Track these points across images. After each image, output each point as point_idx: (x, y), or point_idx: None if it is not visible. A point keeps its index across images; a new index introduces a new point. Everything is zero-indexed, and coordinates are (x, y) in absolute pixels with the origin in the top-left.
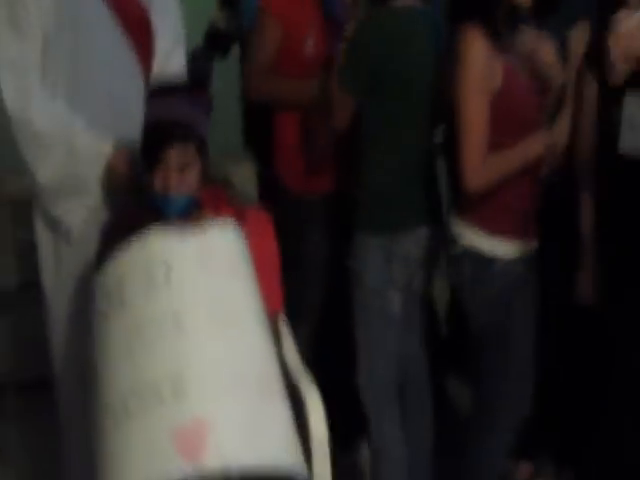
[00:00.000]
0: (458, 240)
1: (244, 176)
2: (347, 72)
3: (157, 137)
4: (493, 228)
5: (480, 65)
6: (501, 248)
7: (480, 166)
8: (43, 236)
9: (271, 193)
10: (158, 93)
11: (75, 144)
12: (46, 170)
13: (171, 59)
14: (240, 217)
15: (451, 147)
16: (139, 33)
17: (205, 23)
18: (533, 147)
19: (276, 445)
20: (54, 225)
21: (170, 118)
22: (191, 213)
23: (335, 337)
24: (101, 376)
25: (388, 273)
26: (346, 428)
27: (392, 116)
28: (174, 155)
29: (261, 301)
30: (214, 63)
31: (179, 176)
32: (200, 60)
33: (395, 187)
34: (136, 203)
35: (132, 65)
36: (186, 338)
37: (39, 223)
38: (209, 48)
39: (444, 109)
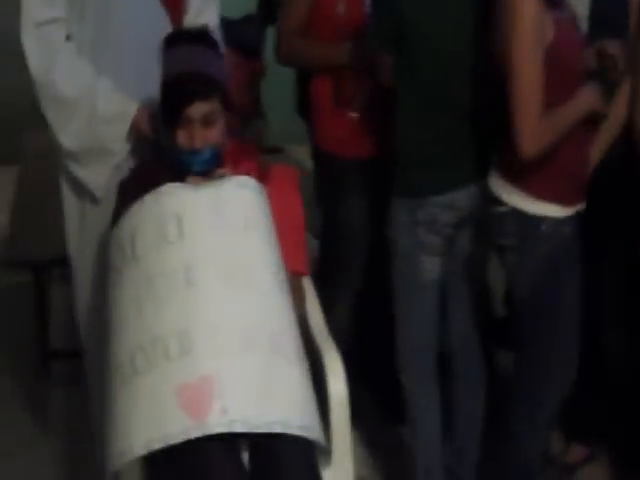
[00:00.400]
0: (502, 201)
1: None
2: (374, 26)
3: (177, 93)
4: (544, 193)
5: (534, 17)
6: (550, 209)
7: (537, 128)
8: (68, 198)
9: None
10: (174, 42)
11: (98, 106)
12: (70, 133)
13: (202, 15)
14: (263, 173)
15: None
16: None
17: None
18: (586, 101)
19: (286, 406)
20: (79, 187)
21: (190, 70)
22: (213, 168)
23: (379, 305)
24: (112, 333)
25: (416, 238)
26: (395, 399)
27: (420, 74)
28: (197, 110)
29: (281, 259)
30: (267, 30)
31: (203, 131)
32: (252, 27)
33: (423, 149)
34: (154, 159)
35: (162, 21)
36: (196, 293)
37: (64, 185)
38: (262, 15)
39: (487, 67)
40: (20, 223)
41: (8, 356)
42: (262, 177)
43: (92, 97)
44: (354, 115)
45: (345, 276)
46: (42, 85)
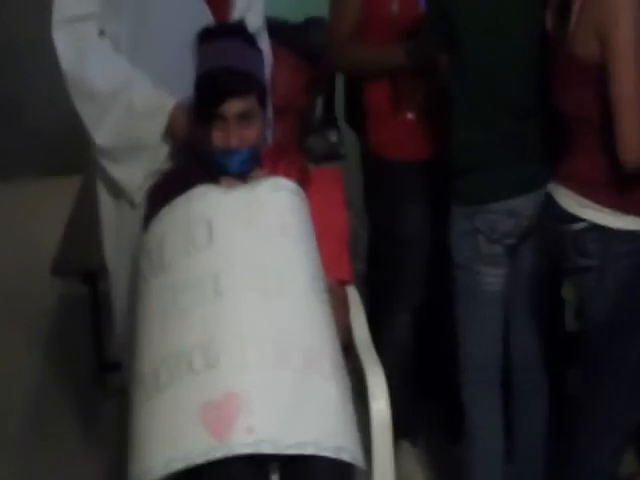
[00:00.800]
0: (578, 217)
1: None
2: (428, 24)
3: (211, 89)
4: (631, 205)
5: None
6: (636, 222)
7: None
8: (104, 203)
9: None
10: (209, 37)
11: (134, 100)
12: (105, 129)
13: (247, 13)
14: (304, 176)
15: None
16: None
17: None
18: None
19: (320, 425)
20: (115, 191)
21: (224, 65)
22: (249, 170)
23: (439, 319)
24: (138, 347)
25: (476, 247)
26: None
27: (476, 72)
28: (233, 108)
29: (320, 266)
30: None
31: (239, 130)
32: (317, 30)
33: (480, 153)
34: (188, 161)
35: (204, 17)
36: (224, 303)
37: (100, 189)
38: None
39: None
40: (76, 233)
41: (62, 368)
42: (302, 179)
43: (128, 91)
44: (411, 117)
45: (402, 290)
46: (75, 81)
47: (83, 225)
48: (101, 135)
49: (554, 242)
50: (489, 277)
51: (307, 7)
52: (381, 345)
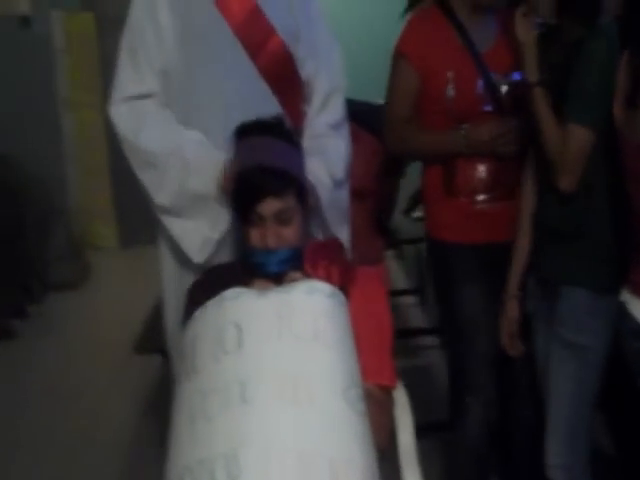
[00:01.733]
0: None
1: None
2: (584, 101)
3: (248, 188)
4: None
5: None
6: None
7: None
8: (165, 256)
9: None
10: (246, 133)
11: (188, 157)
12: (165, 192)
13: (327, 106)
14: (346, 276)
15: None
16: (285, 83)
17: None
18: None
19: None
20: (177, 254)
21: (261, 164)
22: (288, 270)
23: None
24: (169, 447)
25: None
26: None
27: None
28: (270, 208)
29: (355, 375)
30: None
31: (277, 230)
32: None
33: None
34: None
35: (270, 104)
36: (250, 411)
37: (162, 244)
38: None
39: None
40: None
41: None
42: (344, 280)
43: (182, 153)
44: (465, 200)
45: (474, 376)
46: (132, 149)
47: None
48: (162, 196)
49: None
50: None
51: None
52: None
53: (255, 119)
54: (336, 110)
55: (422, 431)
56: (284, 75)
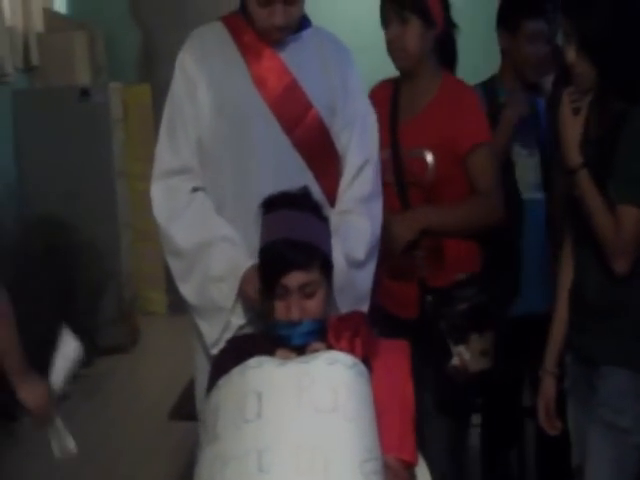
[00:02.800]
0: None
1: None
2: (633, 180)
3: (273, 261)
4: None
5: None
6: None
7: None
8: (197, 342)
9: None
10: (272, 206)
11: (210, 264)
12: (188, 287)
13: (358, 177)
14: (370, 348)
15: None
16: (320, 156)
17: None
18: None
19: None
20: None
21: (287, 237)
22: (311, 342)
23: None
24: None
25: None
26: None
27: None
28: (295, 280)
29: (374, 448)
30: None
31: (301, 302)
32: None
33: None
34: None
35: (306, 179)
36: None
37: (194, 331)
38: None
39: None
40: None
41: None
42: (368, 351)
43: (207, 255)
44: None
45: None
46: (164, 236)
47: None
48: (185, 290)
49: None
50: None
51: None
52: None
53: (281, 192)
54: (366, 182)
55: None
56: (319, 148)
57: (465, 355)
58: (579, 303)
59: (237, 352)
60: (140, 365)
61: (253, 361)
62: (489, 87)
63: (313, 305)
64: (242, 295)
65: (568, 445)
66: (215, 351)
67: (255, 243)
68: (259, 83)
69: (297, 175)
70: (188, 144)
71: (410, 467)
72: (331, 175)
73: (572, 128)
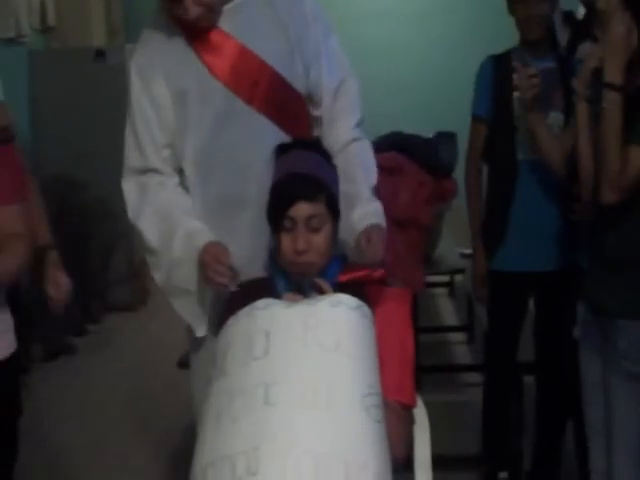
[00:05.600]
0: None
1: None
2: None
3: (282, 193)
4: None
5: None
6: None
7: None
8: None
9: None
10: (286, 149)
11: (173, 250)
12: (157, 274)
13: (339, 95)
14: (375, 292)
15: None
16: (288, 112)
17: None
18: None
19: None
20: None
21: (295, 171)
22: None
23: None
24: (196, 444)
25: None
26: None
27: None
28: (301, 212)
29: (375, 384)
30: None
31: (308, 235)
32: (448, 146)
33: None
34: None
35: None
36: (272, 413)
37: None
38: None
39: None
40: None
41: None
42: (373, 295)
43: (169, 243)
44: None
45: None
46: (136, 232)
47: None
48: (157, 277)
49: None
50: None
51: (438, 122)
52: None
53: (294, 138)
54: (346, 97)
55: (457, 463)
56: (285, 104)
57: None
58: (598, 255)
59: (247, 295)
60: (148, 322)
61: (261, 302)
62: (502, 60)
63: (319, 240)
64: (204, 274)
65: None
66: (200, 332)
67: (235, 228)
68: (211, 65)
69: (271, 138)
70: (153, 147)
71: (409, 409)
72: (303, 124)
73: (624, 45)
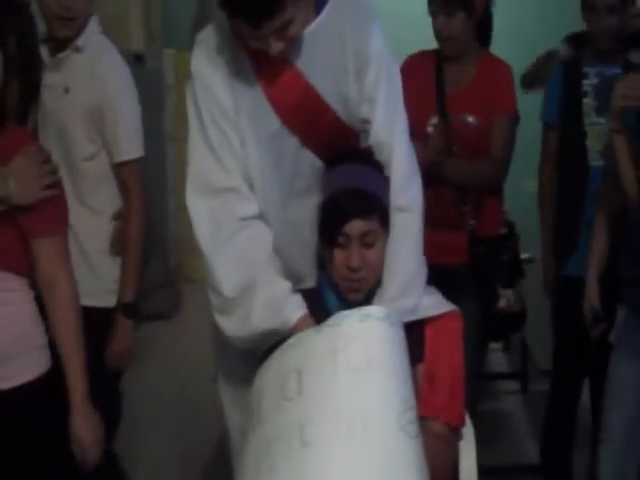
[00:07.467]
0: None
1: None
2: None
3: (336, 209)
4: None
5: None
6: None
7: None
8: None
9: None
10: (337, 162)
11: (252, 319)
12: (225, 320)
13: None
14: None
15: None
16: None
17: None
18: None
19: None
20: None
21: (349, 187)
22: None
23: None
24: None
25: None
26: None
27: None
28: (355, 228)
29: (410, 398)
30: None
31: (362, 251)
32: None
33: None
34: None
35: None
36: (311, 454)
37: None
38: None
39: None
40: None
41: None
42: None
43: (247, 302)
44: None
45: None
46: (205, 265)
47: None
48: (224, 324)
49: None
50: None
51: None
52: None
53: (345, 148)
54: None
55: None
56: (338, 144)
57: (510, 297)
58: (636, 257)
59: None
60: (182, 331)
61: (293, 339)
62: (572, 66)
63: (373, 255)
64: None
65: None
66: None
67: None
68: (275, 100)
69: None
70: (238, 165)
71: (458, 429)
72: None
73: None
